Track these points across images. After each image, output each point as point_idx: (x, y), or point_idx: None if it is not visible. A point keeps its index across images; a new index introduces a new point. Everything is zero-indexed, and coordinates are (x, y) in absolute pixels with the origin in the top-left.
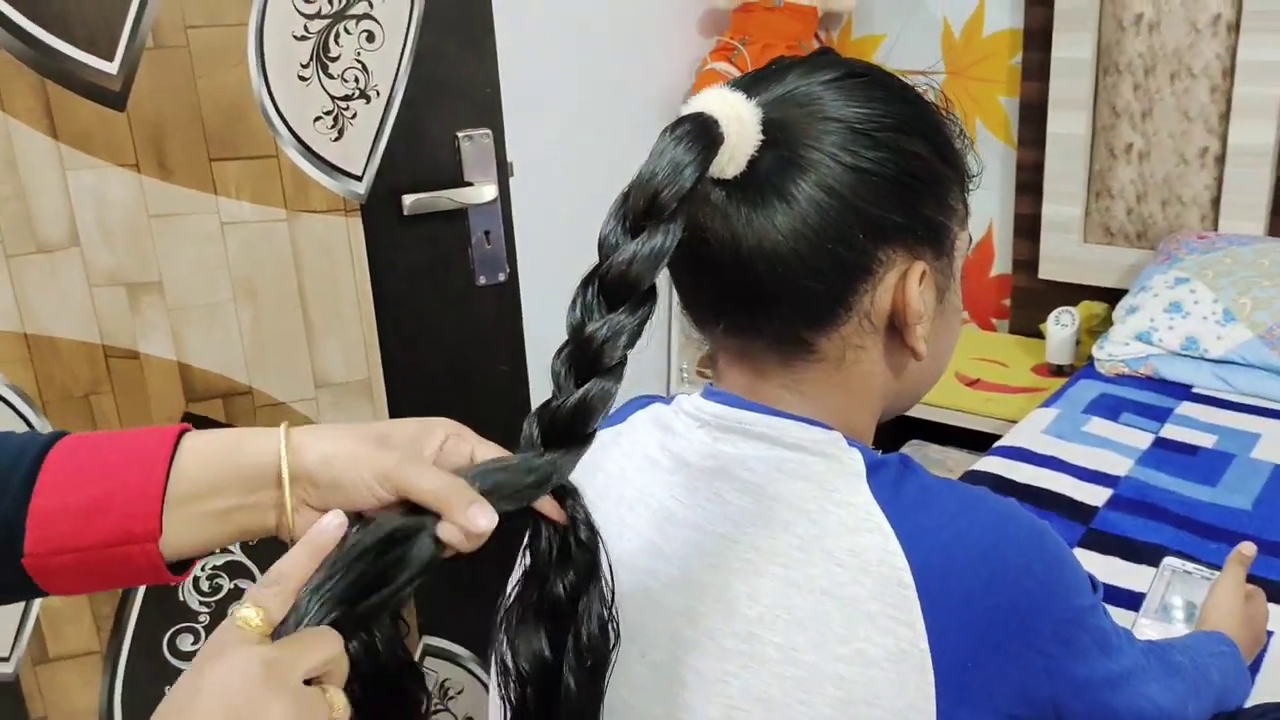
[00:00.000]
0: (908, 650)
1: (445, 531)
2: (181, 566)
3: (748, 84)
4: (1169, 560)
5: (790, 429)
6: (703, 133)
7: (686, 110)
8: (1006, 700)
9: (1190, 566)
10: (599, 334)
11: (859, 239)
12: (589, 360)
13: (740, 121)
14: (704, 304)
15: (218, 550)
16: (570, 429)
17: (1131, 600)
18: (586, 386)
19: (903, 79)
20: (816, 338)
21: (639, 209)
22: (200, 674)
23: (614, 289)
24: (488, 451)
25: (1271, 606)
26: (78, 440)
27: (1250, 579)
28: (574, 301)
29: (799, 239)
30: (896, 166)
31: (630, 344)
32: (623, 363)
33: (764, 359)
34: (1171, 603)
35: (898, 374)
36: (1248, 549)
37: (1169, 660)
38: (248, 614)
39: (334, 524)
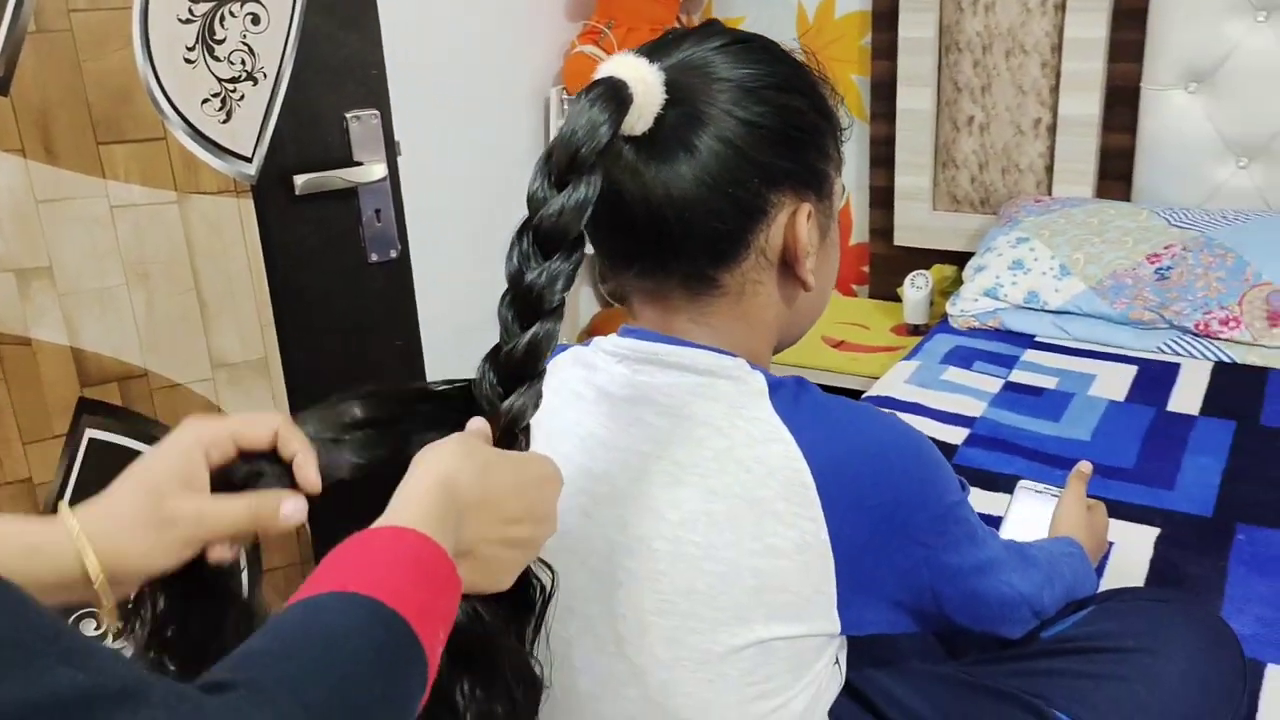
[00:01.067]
0: (810, 542)
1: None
2: None
3: (649, 51)
4: (1023, 483)
5: (700, 357)
6: (614, 94)
7: (598, 75)
8: (893, 588)
9: (1040, 487)
10: (538, 281)
11: (754, 183)
12: (532, 305)
13: (646, 83)
14: (618, 251)
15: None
16: (524, 369)
17: (990, 525)
18: (534, 329)
19: (779, 45)
20: (720, 274)
21: (562, 165)
22: None
23: (547, 238)
24: (249, 426)
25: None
26: None
27: (1090, 498)
28: (510, 252)
29: (702, 185)
30: (781, 119)
31: (566, 286)
32: (562, 304)
33: (674, 297)
34: (1025, 518)
35: (790, 304)
36: (1085, 466)
37: (1026, 554)
38: None
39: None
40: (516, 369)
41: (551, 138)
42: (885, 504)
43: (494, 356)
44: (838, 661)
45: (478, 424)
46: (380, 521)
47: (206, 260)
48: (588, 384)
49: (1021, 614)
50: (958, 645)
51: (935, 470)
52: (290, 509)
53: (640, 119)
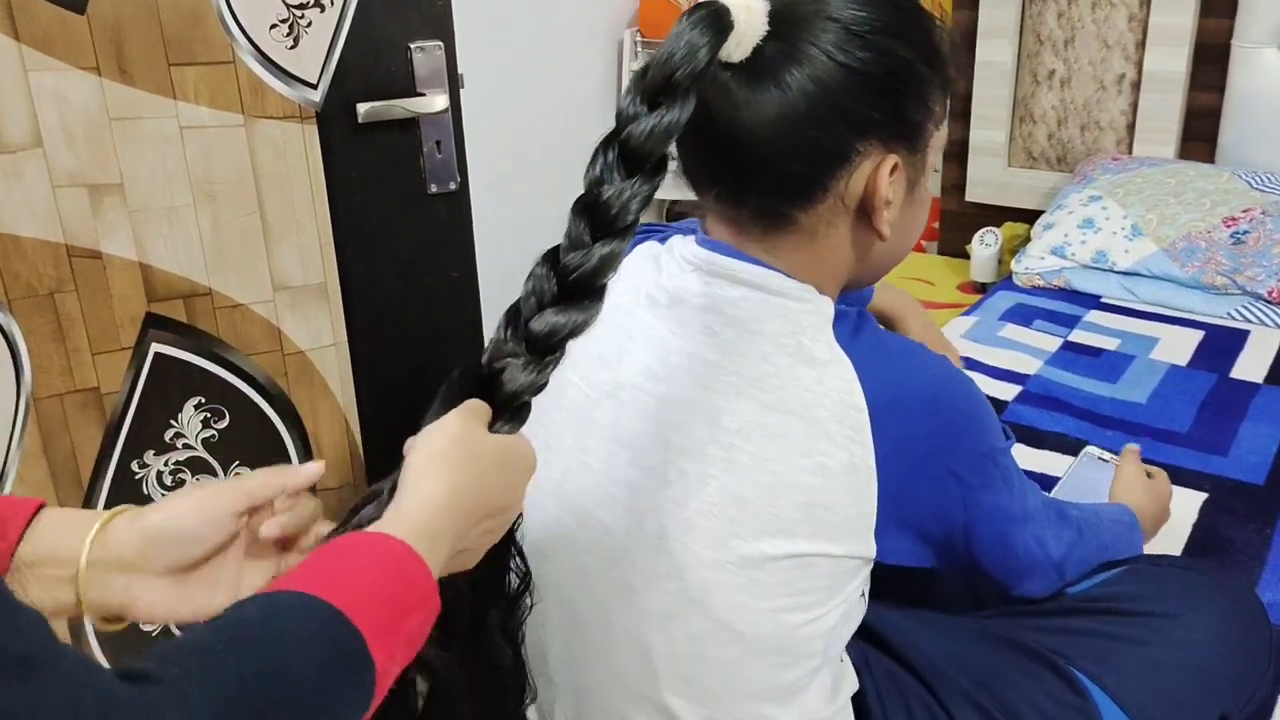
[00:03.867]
0: (859, 465)
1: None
2: None
3: None
4: (1089, 448)
5: (772, 278)
6: (715, 19)
7: None
8: (929, 522)
9: (1107, 455)
10: (619, 197)
11: (840, 129)
12: (608, 220)
13: (750, 11)
14: (700, 171)
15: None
16: (590, 284)
17: (1036, 483)
18: (607, 246)
19: None
20: (795, 212)
21: (657, 84)
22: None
23: (632, 157)
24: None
25: None
26: None
27: (1149, 464)
28: (593, 160)
29: (785, 124)
30: (882, 67)
31: (643, 207)
32: (635, 224)
33: (749, 226)
34: (1080, 484)
35: (864, 252)
36: (1133, 446)
37: (1065, 513)
38: None
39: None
40: (584, 283)
41: (624, 81)
42: (932, 435)
43: (554, 259)
44: (863, 594)
45: (476, 404)
46: (378, 525)
47: (270, 184)
48: (661, 288)
49: (1047, 575)
50: (984, 597)
51: (981, 411)
52: (311, 468)
53: (739, 46)
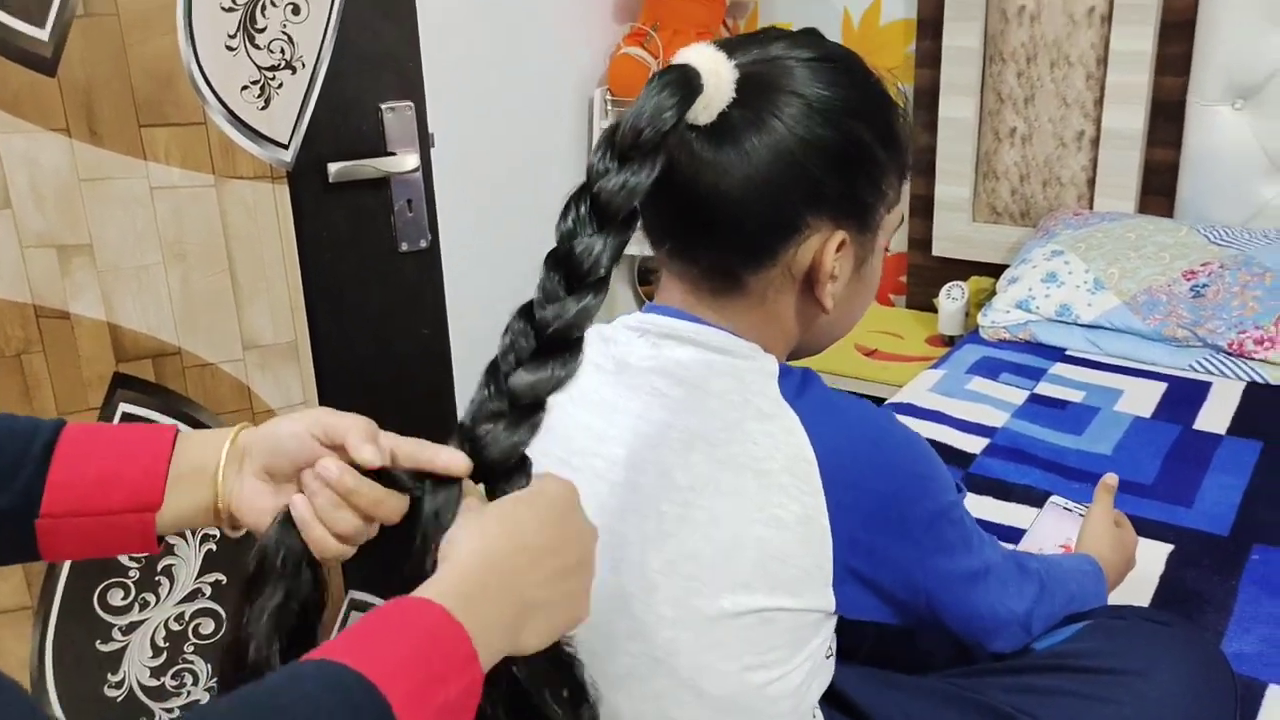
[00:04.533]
0: (812, 516)
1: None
2: (160, 541)
3: (735, 44)
4: (1053, 498)
5: (718, 337)
6: (685, 82)
7: (676, 60)
8: (889, 582)
9: (1070, 505)
10: (590, 251)
11: (792, 200)
12: (581, 273)
13: (718, 77)
14: (658, 224)
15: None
16: (566, 338)
17: (1002, 535)
18: (582, 300)
19: (871, 71)
20: (745, 275)
21: (626, 142)
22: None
23: (603, 211)
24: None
25: None
26: (82, 427)
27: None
28: (564, 213)
29: (745, 188)
30: (839, 146)
31: (614, 260)
32: (608, 277)
33: (699, 284)
34: (1049, 534)
35: (808, 321)
36: (1111, 479)
37: (1025, 565)
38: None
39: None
40: (560, 336)
41: (594, 139)
42: (882, 493)
43: (529, 314)
44: (830, 654)
45: (469, 500)
46: (418, 591)
47: (241, 243)
48: (607, 355)
49: (1013, 631)
50: (959, 654)
51: (931, 467)
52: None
53: (706, 110)
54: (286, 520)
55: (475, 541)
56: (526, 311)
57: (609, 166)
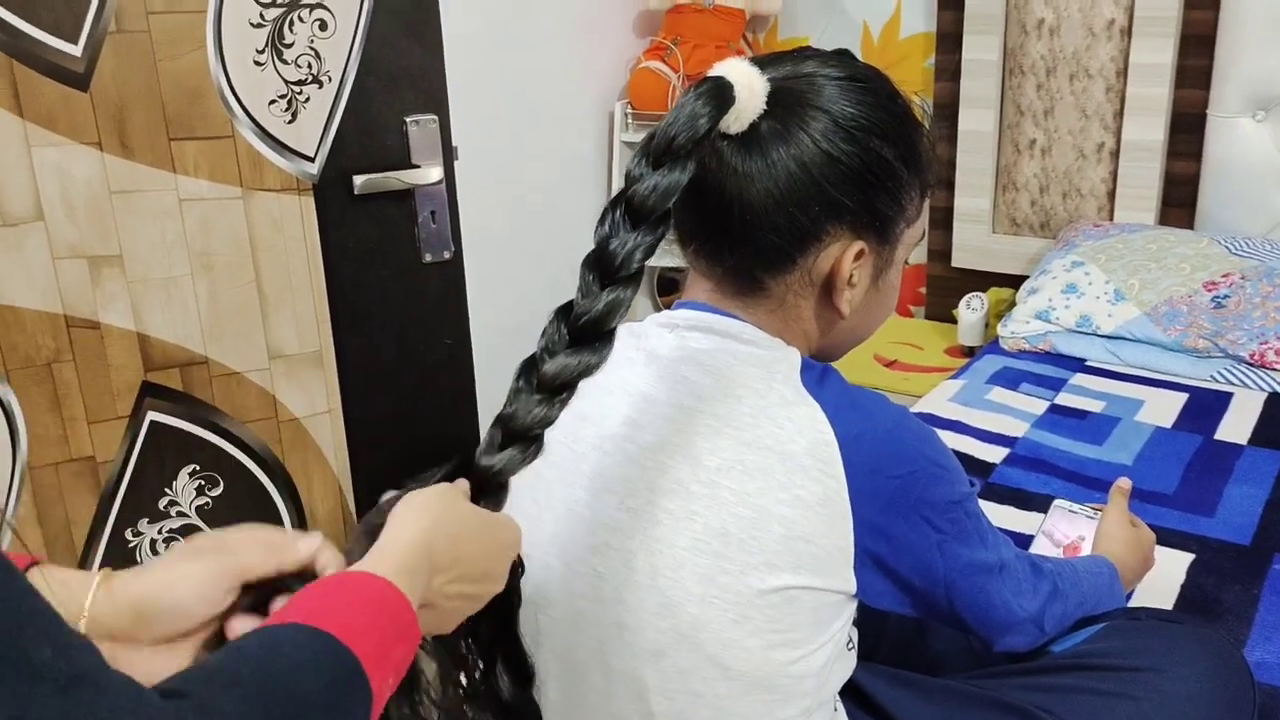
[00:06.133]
0: (834, 498)
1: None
2: None
3: (769, 60)
4: (1058, 502)
5: (744, 329)
6: (718, 93)
7: (712, 73)
8: (908, 569)
9: (1076, 506)
10: (624, 247)
11: (815, 210)
12: (614, 269)
13: (751, 90)
14: (687, 226)
15: None
16: (597, 327)
17: (1020, 542)
18: (613, 292)
19: (898, 92)
20: (766, 278)
21: (660, 148)
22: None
23: (637, 212)
24: (290, 548)
25: None
26: None
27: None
28: (603, 218)
29: (769, 197)
30: (862, 161)
31: (647, 256)
32: (640, 273)
33: (723, 284)
34: (1056, 537)
35: (826, 326)
36: (1125, 483)
37: (1039, 566)
38: None
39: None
40: (591, 327)
41: (615, 151)
42: (901, 477)
43: (565, 311)
44: (851, 645)
45: (462, 483)
46: (358, 566)
47: (268, 254)
48: (638, 349)
49: (1027, 629)
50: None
51: (947, 459)
52: (305, 544)
53: (737, 120)
54: None
55: (419, 529)
56: (564, 310)
57: (644, 171)
